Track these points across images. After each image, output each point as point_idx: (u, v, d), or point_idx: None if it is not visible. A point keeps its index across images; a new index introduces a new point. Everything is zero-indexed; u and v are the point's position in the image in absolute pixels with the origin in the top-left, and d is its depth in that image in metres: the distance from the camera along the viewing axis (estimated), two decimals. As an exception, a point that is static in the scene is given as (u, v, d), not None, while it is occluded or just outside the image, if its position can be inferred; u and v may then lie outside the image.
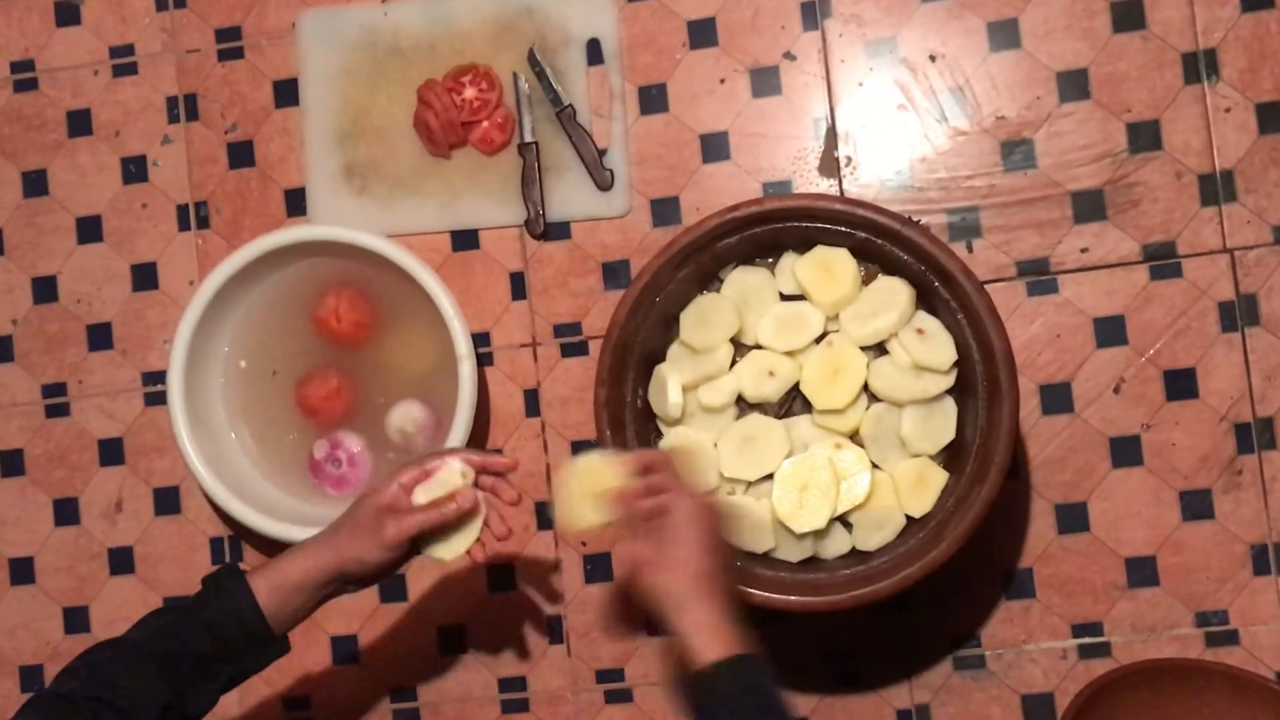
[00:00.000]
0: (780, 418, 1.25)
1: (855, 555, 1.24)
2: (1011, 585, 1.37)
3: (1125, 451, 1.36)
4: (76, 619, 1.50)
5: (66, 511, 1.51)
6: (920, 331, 1.22)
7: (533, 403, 1.44)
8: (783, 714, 1.02)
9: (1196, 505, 1.35)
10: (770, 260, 1.28)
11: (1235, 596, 1.34)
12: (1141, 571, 1.35)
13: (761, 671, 1.03)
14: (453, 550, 1.15)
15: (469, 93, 1.44)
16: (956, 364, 1.22)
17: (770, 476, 1.23)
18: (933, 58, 1.40)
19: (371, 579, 1.15)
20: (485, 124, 1.44)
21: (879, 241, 1.22)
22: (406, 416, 1.41)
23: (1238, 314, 1.35)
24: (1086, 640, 1.36)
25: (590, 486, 1.12)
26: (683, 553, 1.05)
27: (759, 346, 1.26)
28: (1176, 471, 1.35)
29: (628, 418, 1.25)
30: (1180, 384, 1.35)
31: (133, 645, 1.07)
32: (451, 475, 1.14)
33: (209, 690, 1.10)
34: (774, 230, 1.24)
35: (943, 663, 1.37)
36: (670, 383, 1.25)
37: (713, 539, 1.07)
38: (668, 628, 1.05)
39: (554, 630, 1.43)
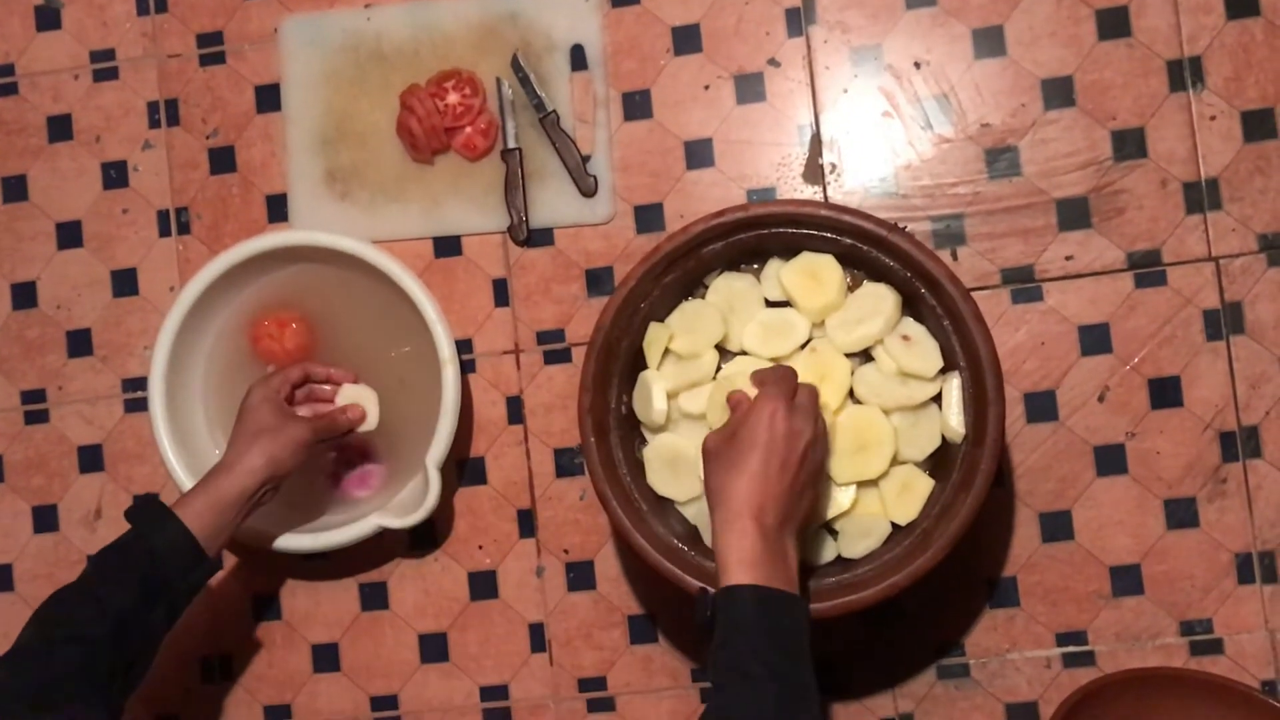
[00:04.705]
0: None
1: (840, 563, 1.23)
2: (996, 594, 1.36)
3: (1110, 460, 1.35)
4: (54, 627, 1.49)
5: (45, 518, 1.49)
6: (906, 338, 1.22)
7: (515, 410, 1.43)
8: (797, 661, 1.02)
9: (1181, 514, 1.34)
10: (755, 266, 1.27)
11: (1220, 605, 1.34)
12: (1126, 580, 1.35)
13: (791, 609, 1.03)
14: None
15: (452, 98, 1.43)
16: (942, 371, 1.21)
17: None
18: (917, 65, 1.40)
19: (288, 476, 1.29)
20: (468, 130, 1.43)
21: (865, 248, 1.21)
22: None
23: (1223, 322, 1.35)
24: (1071, 649, 1.35)
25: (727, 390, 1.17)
26: (743, 453, 1.07)
27: (744, 353, 1.25)
28: (1161, 480, 1.35)
29: (612, 424, 1.24)
30: (1165, 392, 1.35)
31: (81, 585, 1.19)
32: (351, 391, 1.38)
33: (155, 620, 1.18)
34: (759, 236, 1.23)
35: (926, 671, 1.37)
36: (655, 389, 1.24)
37: (787, 454, 1.07)
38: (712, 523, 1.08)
39: (536, 638, 1.42)
